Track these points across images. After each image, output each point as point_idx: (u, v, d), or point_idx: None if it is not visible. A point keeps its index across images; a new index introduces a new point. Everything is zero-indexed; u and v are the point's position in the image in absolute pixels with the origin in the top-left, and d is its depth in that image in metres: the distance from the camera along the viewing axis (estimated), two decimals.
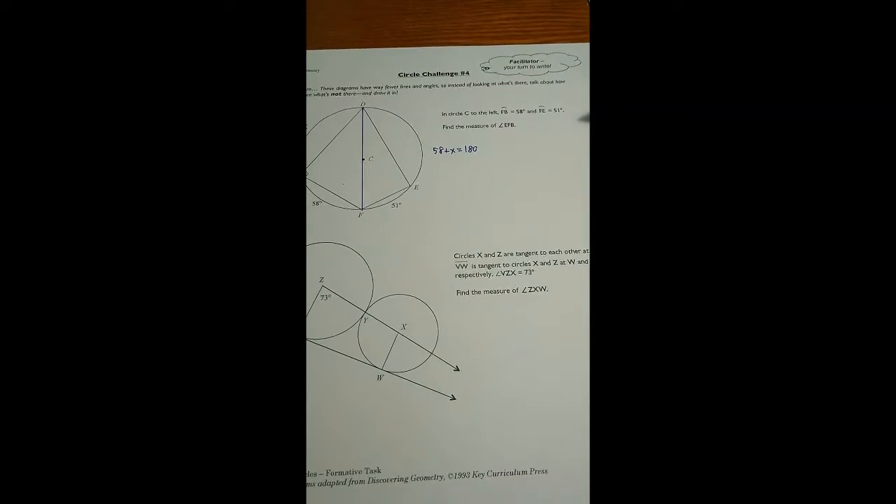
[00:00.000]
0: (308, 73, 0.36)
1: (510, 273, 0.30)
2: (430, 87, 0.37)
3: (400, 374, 0.28)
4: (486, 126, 0.35)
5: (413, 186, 0.33)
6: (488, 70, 0.37)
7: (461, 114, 0.36)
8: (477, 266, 0.31)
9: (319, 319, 0.29)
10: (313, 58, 0.37)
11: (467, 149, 0.34)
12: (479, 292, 0.30)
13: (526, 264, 0.31)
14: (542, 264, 0.31)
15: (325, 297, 0.30)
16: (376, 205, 0.32)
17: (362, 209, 0.32)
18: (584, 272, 0.30)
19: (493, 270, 0.31)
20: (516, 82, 0.37)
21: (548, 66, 0.38)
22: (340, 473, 0.26)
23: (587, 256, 0.31)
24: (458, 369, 0.28)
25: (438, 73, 0.37)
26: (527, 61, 0.38)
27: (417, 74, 0.37)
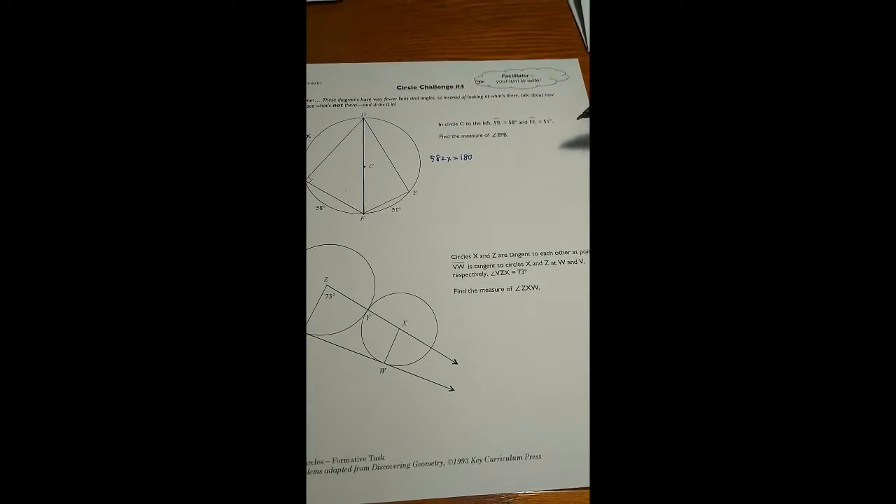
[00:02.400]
0: (311, 86, 0.38)
1: (504, 273, 0.32)
2: (427, 99, 0.39)
3: (401, 368, 0.30)
4: (481, 136, 0.37)
5: (412, 192, 0.35)
6: (482, 83, 0.40)
7: (457, 124, 0.38)
8: (473, 266, 0.32)
9: (324, 317, 0.31)
10: (316, 71, 0.39)
11: (463, 157, 0.36)
12: (475, 291, 0.32)
13: (519, 264, 0.33)
14: (535, 264, 0.33)
15: (329, 296, 0.31)
16: (377, 209, 0.34)
17: (364, 213, 0.34)
18: (573, 271, 0.32)
19: (489, 270, 0.32)
20: (508, 95, 0.39)
21: (538, 81, 0.40)
22: (346, 461, 0.27)
23: (576, 257, 0.33)
24: (456, 362, 0.30)
25: (435, 86, 0.39)
26: (518, 76, 0.40)
27: (415, 87, 0.39)
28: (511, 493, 0.27)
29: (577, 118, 0.37)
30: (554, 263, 0.33)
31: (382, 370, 0.29)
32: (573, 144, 0.37)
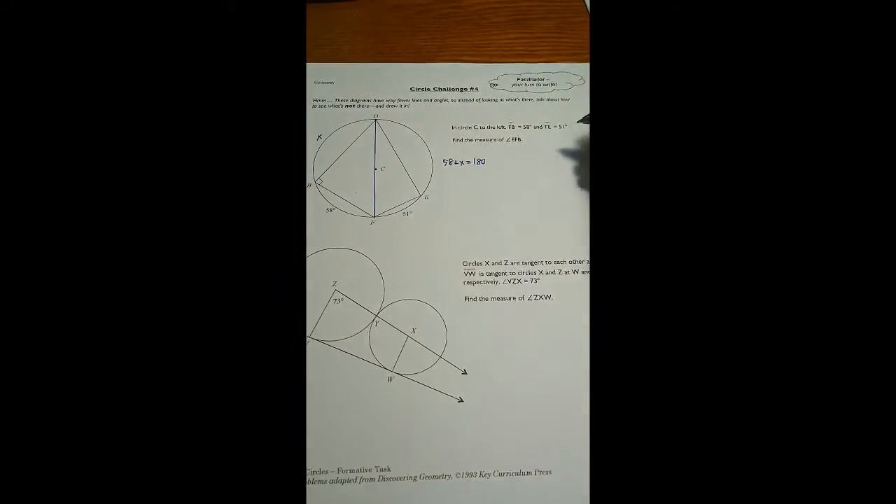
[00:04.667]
0: (324, 85, 0.38)
1: (517, 281, 0.32)
2: (440, 101, 0.38)
3: (409, 377, 0.29)
4: (494, 140, 0.36)
5: (424, 196, 0.34)
6: (496, 87, 0.39)
7: (470, 127, 0.37)
8: (484, 274, 0.32)
9: (332, 322, 0.30)
10: (329, 70, 0.38)
11: (476, 161, 0.36)
12: (486, 299, 0.31)
13: (532, 273, 0.32)
14: (548, 273, 0.32)
15: (337, 301, 0.31)
16: (388, 213, 0.33)
17: (374, 217, 0.33)
18: (587, 281, 0.32)
19: (500, 278, 0.32)
20: (523, 99, 0.38)
21: (553, 85, 0.39)
22: (351, 471, 0.27)
23: (590, 266, 0.32)
24: (465, 372, 0.29)
25: (449, 89, 0.39)
26: (533, 79, 0.39)
27: (429, 89, 0.38)
28: None
29: (577, 122, 0.36)
30: (567, 273, 0.32)
31: (390, 379, 0.29)
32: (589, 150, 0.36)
